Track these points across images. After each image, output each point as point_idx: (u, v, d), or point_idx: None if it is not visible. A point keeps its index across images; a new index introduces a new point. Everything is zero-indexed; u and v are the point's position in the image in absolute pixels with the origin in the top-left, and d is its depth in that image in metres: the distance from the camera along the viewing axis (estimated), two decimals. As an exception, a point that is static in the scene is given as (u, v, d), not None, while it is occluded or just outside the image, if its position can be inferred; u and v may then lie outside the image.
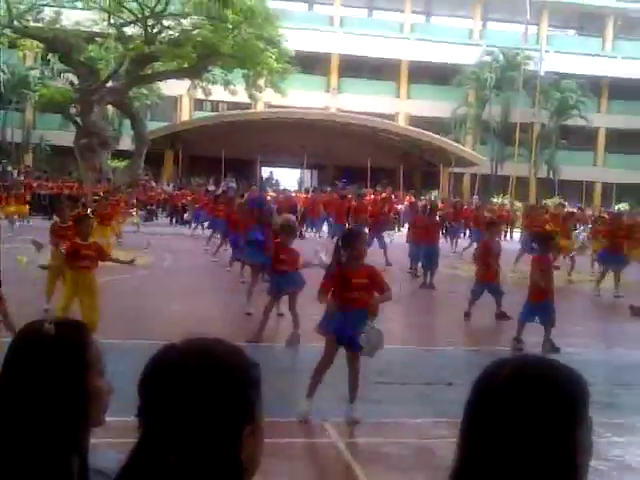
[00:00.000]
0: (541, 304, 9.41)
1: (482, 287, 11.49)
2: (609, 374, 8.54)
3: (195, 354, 1.36)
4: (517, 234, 28.46)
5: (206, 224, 22.50)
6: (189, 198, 29.69)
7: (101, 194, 22.99)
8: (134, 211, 26.30)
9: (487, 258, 11.47)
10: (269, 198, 23.75)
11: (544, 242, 10.11)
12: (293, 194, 31.68)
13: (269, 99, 39.02)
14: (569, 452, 1.30)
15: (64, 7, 32.34)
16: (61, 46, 31.37)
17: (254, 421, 1.37)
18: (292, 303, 8.95)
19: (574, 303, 13.74)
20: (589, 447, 1.34)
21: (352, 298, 6.07)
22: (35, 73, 39.76)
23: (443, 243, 24.96)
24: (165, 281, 14.34)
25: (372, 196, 27.13)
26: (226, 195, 21.21)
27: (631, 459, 5.74)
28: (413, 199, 29.71)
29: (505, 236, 29.45)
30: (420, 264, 15.75)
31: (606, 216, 21.49)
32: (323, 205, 26.98)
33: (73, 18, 31.62)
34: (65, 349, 1.61)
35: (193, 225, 24.86)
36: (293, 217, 11.86)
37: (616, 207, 38.91)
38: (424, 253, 15.27)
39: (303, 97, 41.38)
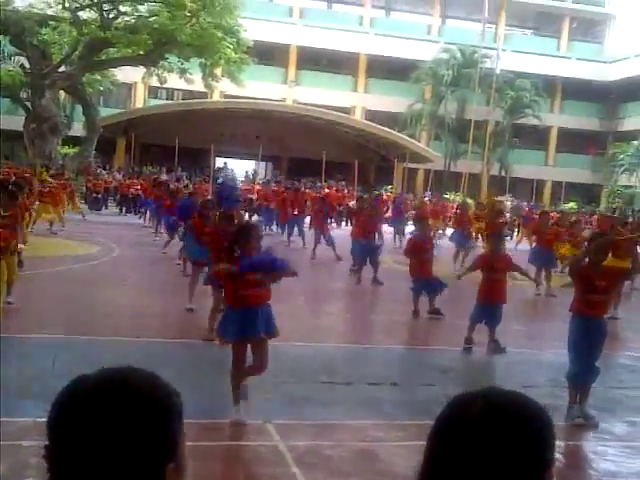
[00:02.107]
0: (490, 306, 9.47)
1: (418, 282, 11.57)
2: (550, 375, 8.65)
3: (110, 384, 1.26)
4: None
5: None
6: (138, 187, 29.37)
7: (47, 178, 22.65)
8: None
9: (418, 254, 11.56)
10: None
11: (496, 240, 10.18)
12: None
13: (226, 89, 38.68)
14: None
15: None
16: (13, 28, 30.65)
17: (177, 457, 1.26)
18: None
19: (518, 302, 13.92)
20: None
21: (250, 295, 5.96)
22: (-16, 55, 38.79)
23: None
24: (110, 273, 14.11)
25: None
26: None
27: (570, 464, 5.81)
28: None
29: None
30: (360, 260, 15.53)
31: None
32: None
33: (26, 0, 30.89)
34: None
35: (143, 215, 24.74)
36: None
37: (564, 206, 39.55)
38: (366, 249, 15.12)
39: (260, 88, 41.13)
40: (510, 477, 1.27)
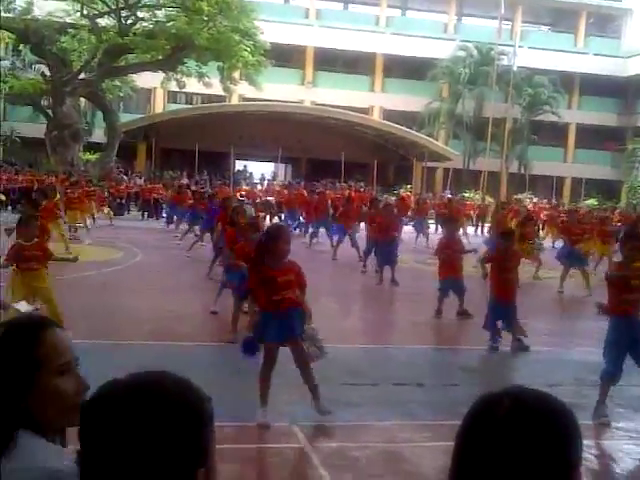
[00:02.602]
0: (504, 305, 9.48)
1: (445, 283, 11.57)
2: (576, 374, 8.65)
3: (141, 389, 1.26)
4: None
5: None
6: (161, 192, 29.61)
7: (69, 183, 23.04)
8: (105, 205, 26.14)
9: (448, 254, 11.54)
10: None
11: (507, 239, 10.18)
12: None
13: (244, 92, 38.82)
14: None
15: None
16: (33, 37, 30.97)
17: (208, 464, 1.27)
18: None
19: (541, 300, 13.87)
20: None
21: (284, 298, 6.02)
22: (6, 64, 39.11)
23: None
24: (135, 277, 14.24)
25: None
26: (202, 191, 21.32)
27: (598, 463, 5.81)
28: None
29: (475, 231, 29.70)
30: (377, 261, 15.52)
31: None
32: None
33: (45, 8, 31.16)
34: (9, 348, 1.53)
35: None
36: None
37: (585, 202, 39.34)
38: (382, 249, 15.12)
39: (278, 90, 41.20)
40: (537, 476, 1.28)
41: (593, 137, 49.15)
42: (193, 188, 24.52)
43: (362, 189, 34.12)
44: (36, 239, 8.44)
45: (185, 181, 30.54)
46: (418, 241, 23.14)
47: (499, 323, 9.55)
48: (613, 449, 6.21)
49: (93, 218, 22.43)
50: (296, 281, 6.12)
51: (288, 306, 6.03)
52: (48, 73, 32.80)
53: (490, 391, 1.41)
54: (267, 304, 6.07)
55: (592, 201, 40.54)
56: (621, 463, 5.90)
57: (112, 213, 25.74)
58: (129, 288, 12.80)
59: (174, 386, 1.29)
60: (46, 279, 8.40)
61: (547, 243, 21.14)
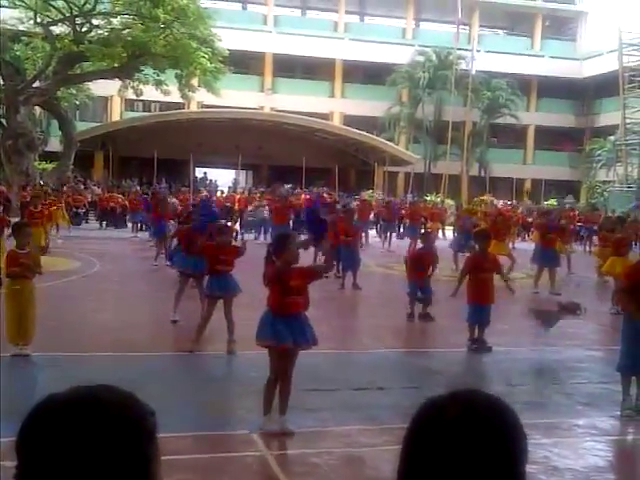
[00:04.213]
0: (480, 306, 9.46)
1: (414, 286, 11.54)
2: (536, 373, 8.67)
3: (80, 403, 1.22)
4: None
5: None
6: (118, 201, 29.41)
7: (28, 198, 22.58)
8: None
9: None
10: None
11: (483, 240, 10.18)
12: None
13: (202, 99, 38.63)
14: None
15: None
16: (-16, 45, 30.45)
17: (150, 476, 1.22)
18: (227, 309, 8.77)
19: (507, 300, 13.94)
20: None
21: (295, 302, 5.98)
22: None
23: (377, 242, 25.33)
24: (93, 287, 13.97)
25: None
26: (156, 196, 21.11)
27: (558, 461, 5.79)
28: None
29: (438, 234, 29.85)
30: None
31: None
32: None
33: (-3, 16, 30.68)
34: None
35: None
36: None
37: (545, 203, 39.85)
38: (344, 254, 14.97)
39: (237, 97, 41.07)
40: (490, 471, 1.28)
41: (552, 138, 49.89)
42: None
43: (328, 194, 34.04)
44: (27, 248, 8.41)
45: (137, 188, 30.38)
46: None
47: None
48: (574, 446, 6.19)
49: (57, 227, 22.11)
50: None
51: (297, 310, 5.99)
52: (1, 82, 32.22)
53: (436, 395, 1.39)
54: (279, 305, 5.98)
55: (552, 202, 41.06)
56: (581, 460, 5.88)
57: (70, 222, 25.34)
58: (88, 298, 12.53)
59: (114, 400, 1.24)
60: (34, 290, 8.37)
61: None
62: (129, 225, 27.44)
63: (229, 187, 39.85)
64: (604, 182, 45.21)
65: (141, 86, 34.07)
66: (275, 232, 21.58)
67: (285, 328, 5.90)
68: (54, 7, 30.86)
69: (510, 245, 22.22)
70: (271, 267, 6.02)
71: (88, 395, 1.25)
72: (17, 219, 18.44)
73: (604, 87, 46.48)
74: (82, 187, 32.99)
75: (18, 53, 32.38)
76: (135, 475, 1.20)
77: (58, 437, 1.18)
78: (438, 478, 1.28)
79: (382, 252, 22.67)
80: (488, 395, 1.39)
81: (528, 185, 48.51)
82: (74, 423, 1.19)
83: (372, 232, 26.97)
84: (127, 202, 28.84)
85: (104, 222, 29.48)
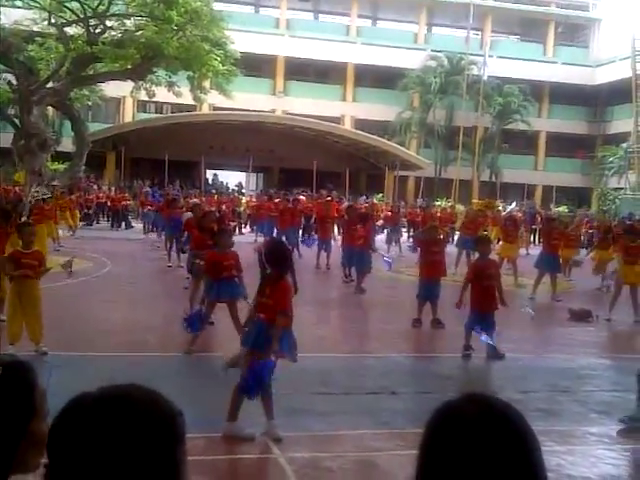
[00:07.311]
0: (483, 313, 9.41)
1: (425, 286, 11.47)
2: (549, 380, 8.63)
3: (111, 402, 1.22)
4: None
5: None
6: (129, 202, 29.57)
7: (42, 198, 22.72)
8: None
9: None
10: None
11: (484, 245, 10.15)
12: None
13: (214, 101, 38.68)
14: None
15: (3, 5, 31.43)
16: (-1, 45, 30.58)
17: (178, 477, 1.21)
18: (232, 313, 8.73)
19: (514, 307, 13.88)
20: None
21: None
22: (-29, 73, 38.66)
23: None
24: (105, 288, 14.01)
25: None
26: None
27: (572, 468, 5.76)
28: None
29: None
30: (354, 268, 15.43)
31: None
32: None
33: (12, 17, 30.77)
34: (10, 394, 1.44)
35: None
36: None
37: (555, 209, 39.68)
38: (357, 257, 15.02)
39: (249, 100, 41.14)
40: (509, 471, 1.28)
41: (563, 145, 49.75)
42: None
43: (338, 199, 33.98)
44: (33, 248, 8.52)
45: (146, 189, 30.45)
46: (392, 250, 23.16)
47: (477, 329, 9.45)
48: (586, 454, 6.16)
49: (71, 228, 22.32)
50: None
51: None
52: (15, 82, 32.36)
53: (450, 399, 1.40)
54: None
55: (563, 208, 40.92)
56: (595, 468, 5.85)
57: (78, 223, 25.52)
58: (100, 299, 12.56)
59: (145, 399, 1.24)
60: (39, 290, 8.39)
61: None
62: (140, 225, 27.53)
63: (232, 190, 39.83)
64: (615, 189, 45.03)
65: (153, 88, 34.15)
66: (281, 236, 21.77)
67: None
68: (68, 8, 30.97)
69: (524, 251, 22.22)
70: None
71: (118, 393, 1.25)
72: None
73: (616, 94, 46.35)
74: (94, 187, 33.10)
75: (32, 54, 32.46)
76: (165, 475, 1.20)
77: (89, 435, 1.17)
78: (458, 476, 1.28)
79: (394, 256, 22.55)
80: (501, 399, 1.41)
81: (539, 191, 48.40)
82: (105, 421, 1.18)
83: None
84: (138, 202, 28.98)
85: (115, 222, 29.61)
